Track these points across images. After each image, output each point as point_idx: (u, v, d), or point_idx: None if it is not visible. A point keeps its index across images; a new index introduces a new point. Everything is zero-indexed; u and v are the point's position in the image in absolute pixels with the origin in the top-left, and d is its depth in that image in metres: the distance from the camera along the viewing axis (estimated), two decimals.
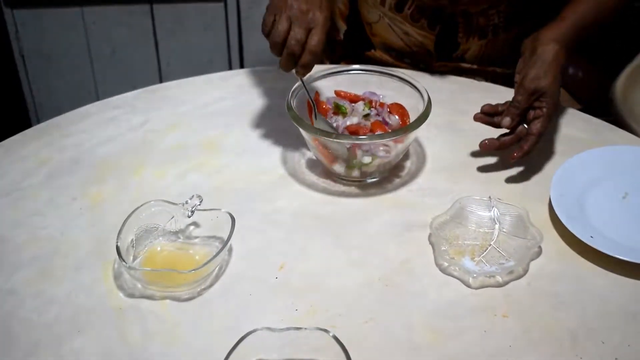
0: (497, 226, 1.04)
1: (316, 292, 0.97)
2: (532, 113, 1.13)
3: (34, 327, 0.93)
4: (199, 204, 1.04)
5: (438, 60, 1.42)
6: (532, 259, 1.01)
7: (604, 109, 1.71)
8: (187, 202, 1.04)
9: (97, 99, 1.55)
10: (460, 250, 1.01)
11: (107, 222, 1.08)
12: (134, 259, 0.99)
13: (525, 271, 0.99)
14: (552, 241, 1.04)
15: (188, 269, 0.95)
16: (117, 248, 0.95)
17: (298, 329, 0.84)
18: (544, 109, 1.12)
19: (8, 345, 0.90)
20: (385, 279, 0.99)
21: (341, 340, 0.83)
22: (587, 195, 1.11)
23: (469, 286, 0.97)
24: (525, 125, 1.14)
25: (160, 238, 1.04)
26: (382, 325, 0.92)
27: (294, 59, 1.09)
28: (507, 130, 1.16)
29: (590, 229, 1.04)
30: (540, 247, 1.02)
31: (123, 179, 1.17)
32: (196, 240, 1.04)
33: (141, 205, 1.02)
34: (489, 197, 1.06)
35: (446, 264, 1.00)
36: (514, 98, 1.13)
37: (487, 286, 0.97)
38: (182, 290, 0.97)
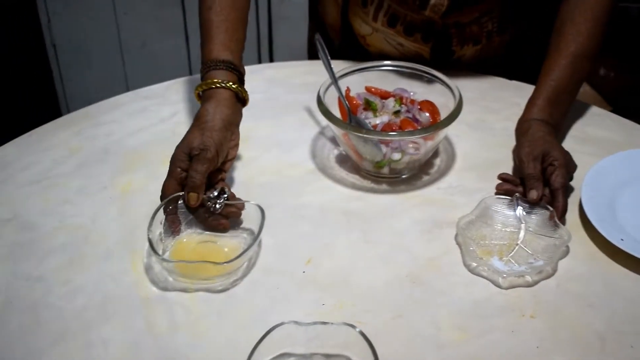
0: (523, 225, 1.03)
1: (343, 288, 0.97)
2: (547, 174, 1.08)
3: (62, 314, 0.93)
4: (227, 196, 1.04)
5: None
6: (561, 258, 1.00)
7: (636, 110, 1.69)
8: (215, 194, 1.04)
9: (127, 90, 1.55)
10: (489, 250, 1.01)
11: (137, 211, 1.09)
12: (163, 252, 1.00)
13: (555, 271, 0.99)
14: (582, 243, 1.04)
15: (219, 261, 0.95)
16: (150, 240, 0.96)
17: (325, 323, 0.84)
18: (556, 162, 1.08)
19: (37, 332, 0.91)
20: (413, 276, 0.99)
21: (368, 336, 0.82)
22: (618, 198, 1.09)
23: (498, 286, 0.97)
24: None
25: (187, 230, 1.04)
26: (409, 322, 0.92)
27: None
28: None
29: (620, 231, 1.03)
30: (568, 247, 1.02)
31: (152, 169, 1.18)
32: (223, 232, 1.04)
33: (170, 197, 1.02)
34: (515, 196, 1.06)
35: (474, 264, 1.00)
36: (525, 174, 1.08)
37: (516, 286, 0.97)
38: (214, 282, 0.97)
